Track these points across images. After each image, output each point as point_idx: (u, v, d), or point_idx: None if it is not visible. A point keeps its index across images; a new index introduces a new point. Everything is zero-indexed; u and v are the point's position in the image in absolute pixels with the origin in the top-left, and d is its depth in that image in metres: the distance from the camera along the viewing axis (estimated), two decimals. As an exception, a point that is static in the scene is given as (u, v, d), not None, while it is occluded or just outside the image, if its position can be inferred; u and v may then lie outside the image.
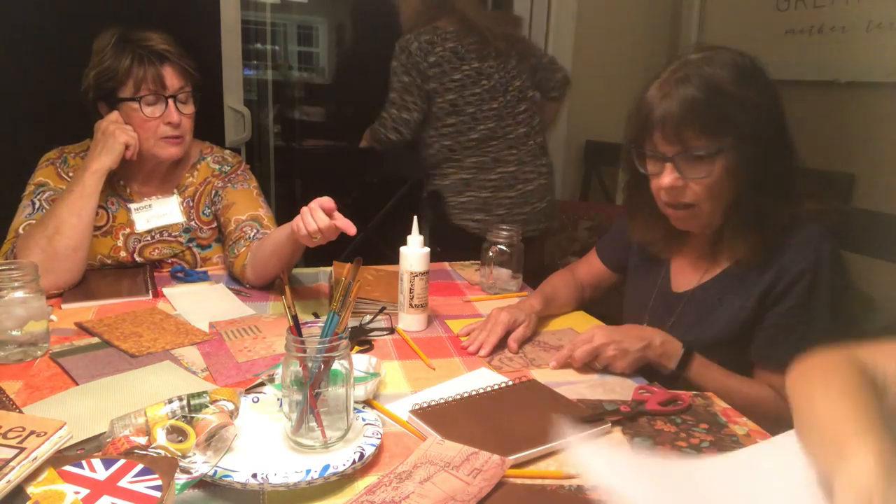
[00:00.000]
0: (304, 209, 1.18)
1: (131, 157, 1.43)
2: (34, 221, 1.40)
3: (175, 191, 1.58)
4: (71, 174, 1.48)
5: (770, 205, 1.08)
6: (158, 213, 1.56)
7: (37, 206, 1.44)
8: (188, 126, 1.49)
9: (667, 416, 0.95)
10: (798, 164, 1.10)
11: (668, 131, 1.04)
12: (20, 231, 1.41)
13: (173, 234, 1.56)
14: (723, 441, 0.90)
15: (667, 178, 1.07)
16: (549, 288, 1.38)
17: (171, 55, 1.43)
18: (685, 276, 1.23)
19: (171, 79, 1.43)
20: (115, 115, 1.43)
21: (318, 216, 1.16)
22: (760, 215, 1.08)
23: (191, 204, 1.58)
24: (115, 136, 1.40)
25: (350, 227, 1.16)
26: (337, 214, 1.17)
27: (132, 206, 1.54)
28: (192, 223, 1.58)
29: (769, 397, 1.08)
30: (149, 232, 1.54)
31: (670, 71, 1.06)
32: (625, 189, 1.27)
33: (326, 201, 1.17)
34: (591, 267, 1.45)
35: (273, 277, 1.43)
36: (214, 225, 1.60)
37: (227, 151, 1.65)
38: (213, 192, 1.58)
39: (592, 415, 0.94)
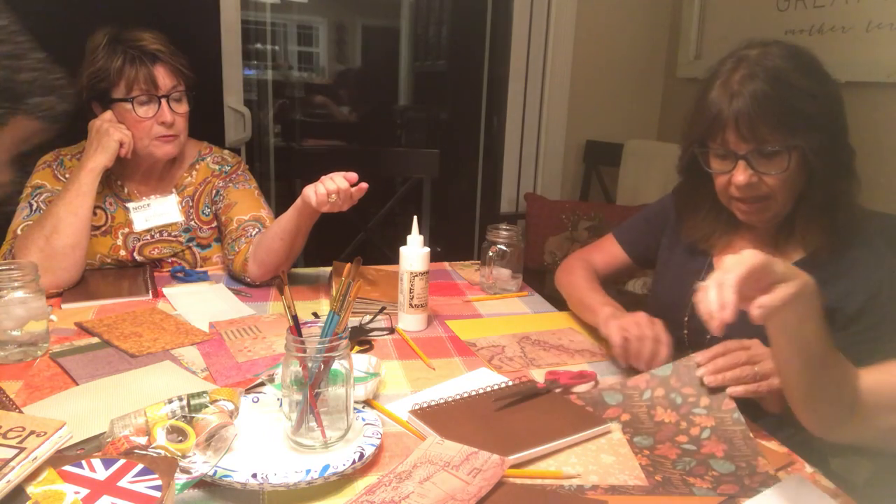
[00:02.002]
0: (324, 176, 1.27)
1: (125, 154, 1.43)
2: (32, 223, 1.40)
3: (173, 190, 1.58)
4: (67, 175, 1.48)
5: (840, 191, 1.07)
6: (157, 212, 1.56)
7: (34, 207, 1.44)
8: (182, 125, 1.49)
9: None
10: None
11: (743, 129, 1.02)
12: (18, 232, 1.41)
13: (173, 233, 1.56)
14: (724, 423, 0.90)
15: (740, 175, 1.05)
16: (596, 284, 1.36)
17: (162, 54, 1.43)
18: None
19: (164, 78, 1.43)
20: (108, 113, 1.42)
21: (338, 179, 1.25)
22: (832, 202, 1.07)
23: (190, 204, 1.58)
24: (109, 134, 1.40)
25: (363, 186, 1.27)
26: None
27: (130, 205, 1.54)
28: (192, 223, 1.58)
29: None
30: (148, 231, 1.54)
31: (729, 69, 1.05)
32: (677, 191, 1.26)
33: (349, 172, 1.26)
34: (611, 257, 1.42)
35: (277, 267, 1.42)
36: (214, 224, 1.60)
37: (226, 151, 1.65)
38: (214, 191, 1.58)
39: (592, 414, 0.94)
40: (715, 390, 0.95)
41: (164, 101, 1.43)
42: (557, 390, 1.01)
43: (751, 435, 0.88)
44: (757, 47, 1.06)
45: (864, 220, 1.11)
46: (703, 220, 1.21)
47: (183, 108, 1.48)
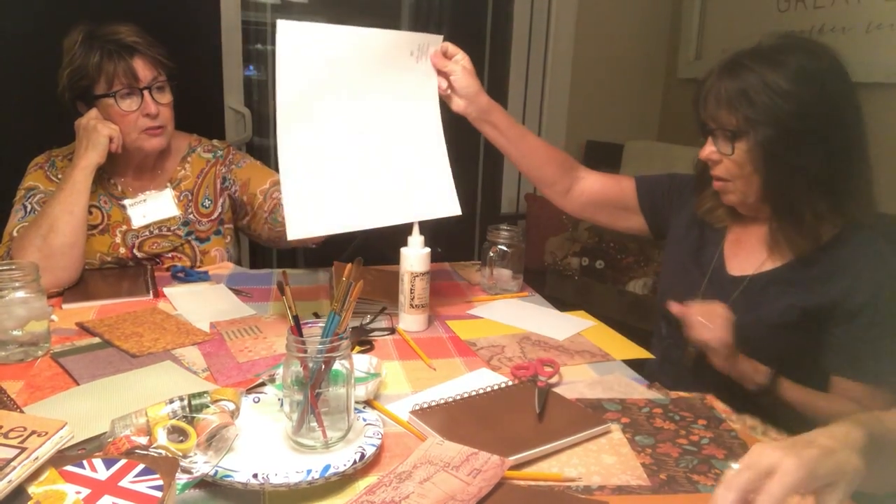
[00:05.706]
0: None
1: (116, 150, 1.43)
2: (27, 224, 1.40)
3: (168, 184, 1.58)
4: (60, 176, 1.48)
5: (812, 201, 1.09)
6: (153, 207, 1.56)
7: (28, 209, 1.44)
8: (168, 115, 1.49)
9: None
10: (859, 167, 1.12)
11: (709, 106, 1.13)
12: (14, 234, 1.41)
13: (172, 227, 1.56)
14: (722, 437, 0.90)
15: (706, 149, 1.16)
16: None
17: (140, 46, 1.43)
18: (741, 260, 1.22)
19: (143, 70, 1.43)
20: (94, 111, 1.43)
21: None
22: (802, 210, 1.10)
23: (189, 197, 1.58)
24: (97, 131, 1.40)
25: None
26: None
27: (126, 202, 1.54)
28: (191, 216, 1.58)
29: (852, 411, 1.06)
30: (146, 227, 1.54)
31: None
32: (697, 162, 1.28)
33: None
34: (615, 183, 1.42)
35: None
36: (213, 217, 1.60)
37: (214, 140, 1.67)
38: (221, 178, 1.59)
39: (592, 414, 0.94)
40: (711, 418, 0.96)
41: (146, 92, 1.43)
42: (543, 383, 1.01)
43: (747, 444, 0.89)
44: (768, 42, 1.13)
45: (872, 218, 1.13)
46: (714, 195, 1.24)
47: (166, 98, 1.48)
